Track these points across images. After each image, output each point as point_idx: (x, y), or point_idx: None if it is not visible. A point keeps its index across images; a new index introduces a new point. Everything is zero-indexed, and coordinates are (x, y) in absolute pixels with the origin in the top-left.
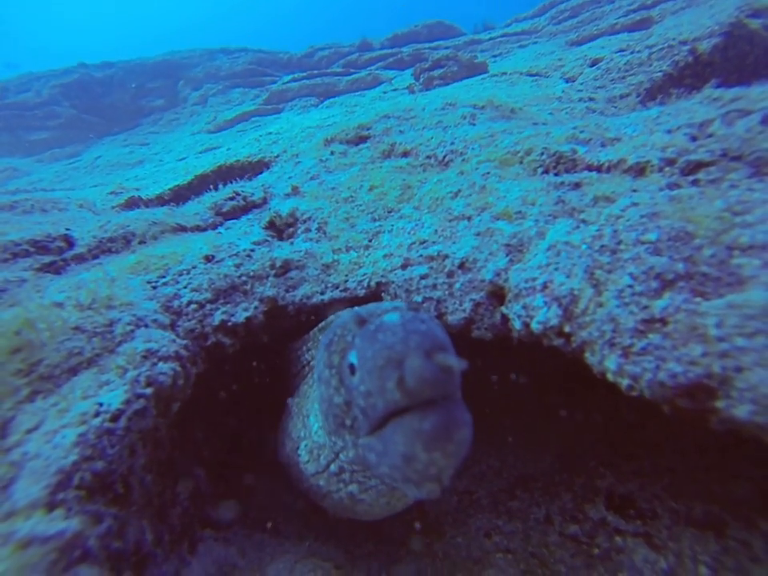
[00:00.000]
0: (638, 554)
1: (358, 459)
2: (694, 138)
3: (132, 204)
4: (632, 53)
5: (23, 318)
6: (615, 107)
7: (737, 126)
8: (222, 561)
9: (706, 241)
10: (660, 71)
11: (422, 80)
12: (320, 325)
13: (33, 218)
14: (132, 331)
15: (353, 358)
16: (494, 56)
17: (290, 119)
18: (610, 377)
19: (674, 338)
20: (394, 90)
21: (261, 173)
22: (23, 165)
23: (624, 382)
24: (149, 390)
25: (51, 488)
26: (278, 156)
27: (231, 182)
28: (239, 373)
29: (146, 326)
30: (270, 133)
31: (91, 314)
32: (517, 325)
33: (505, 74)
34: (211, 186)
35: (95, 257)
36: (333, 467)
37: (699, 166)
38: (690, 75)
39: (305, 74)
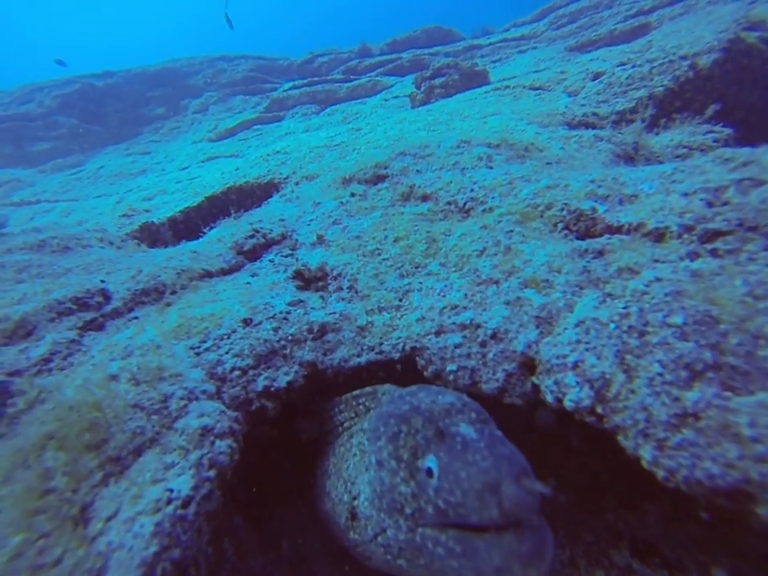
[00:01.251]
0: None
1: (410, 544)
2: (710, 204)
3: (145, 229)
4: (633, 66)
5: (91, 401)
6: (621, 134)
7: (752, 195)
8: None
9: (731, 326)
10: (661, 86)
11: (423, 89)
12: (354, 393)
13: (64, 262)
14: (185, 405)
15: (431, 463)
16: (494, 61)
17: (296, 137)
18: (644, 465)
19: (708, 435)
20: (395, 97)
21: (271, 195)
22: (26, 176)
23: (660, 474)
24: (212, 473)
25: None
26: (287, 177)
27: (242, 206)
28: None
29: (197, 398)
30: (278, 152)
31: (146, 389)
32: (549, 398)
33: (508, 87)
34: (223, 208)
35: (130, 310)
36: (381, 539)
37: (717, 234)
38: (691, 90)
39: (305, 80)
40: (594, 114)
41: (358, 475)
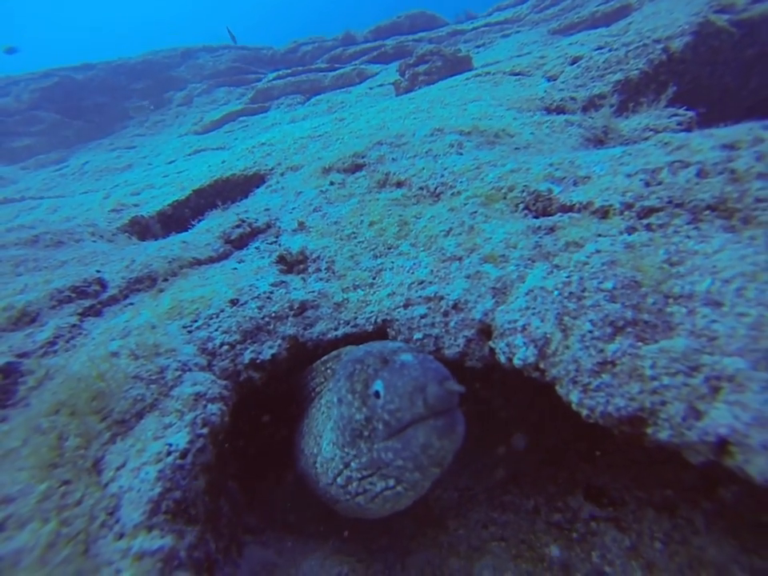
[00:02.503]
0: (608, 536)
1: (371, 462)
2: (647, 184)
3: (135, 223)
4: (610, 50)
5: (96, 373)
6: (591, 119)
7: (680, 175)
8: (264, 561)
9: (649, 289)
10: (637, 69)
11: (407, 76)
12: (323, 358)
13: (59, 255)
14: (180, 376)
15: (378, 386)
16: (478, 47)
17: (281, 128)
18: (573, 406)
19: (620, 377)
20: (380, 85)
21: (258, 186)
22: (7, 173)
23: (584, 412)
24: (205, 430)
25: (147, 514)
26: (272, 169)
27: (229, 198)
28: (263, 396)
29: (190, 369)
30: (263, 144)
31: (144, 363)
32: (502, 359)
33: (489, 73)
34: (210, 201)
35: (126, 296)
36: (339, 480)
37: (651, 210)
38: (665, 72)
39: (289, 70)
40: (572, 98)
41: (324, 428)
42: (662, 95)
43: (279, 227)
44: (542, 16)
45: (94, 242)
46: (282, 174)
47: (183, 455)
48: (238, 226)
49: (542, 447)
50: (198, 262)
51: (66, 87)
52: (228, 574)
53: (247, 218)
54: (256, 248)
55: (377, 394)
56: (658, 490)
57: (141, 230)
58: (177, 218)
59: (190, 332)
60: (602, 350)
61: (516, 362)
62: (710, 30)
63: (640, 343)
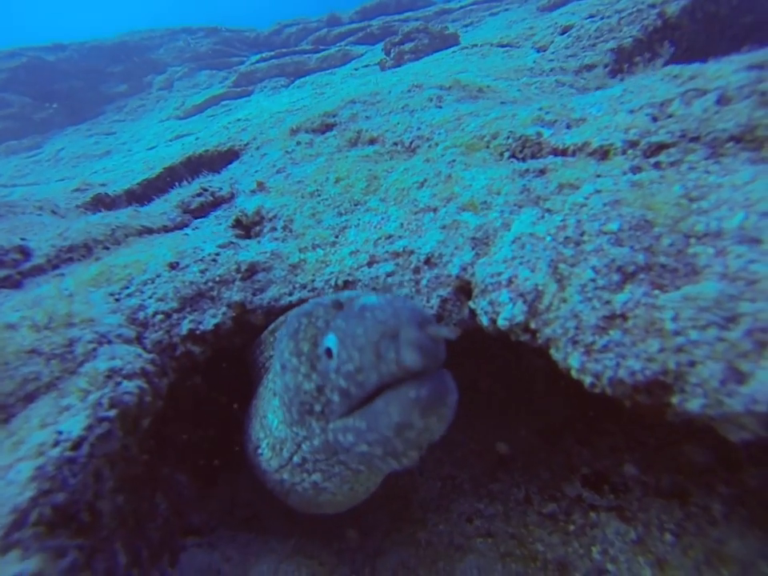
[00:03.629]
0: (611, 527)
1: (325, 446)
2: (655, 119)
3: (98, 201)
4: (602, 18)
5: None
6: (584, 79)
7: (694, 105)
8: (204, 568)
9: (665, 229)
10: (630, 36)
11: (392, 55)
12: (270, 327)
13: None
14: (94, 349)
15: (329, 342)
16: (465, 26)
17: (259, 103)
18: (574, 374)
19: (634, 333)
20: (366, 66)
21: (231, 162)
22: None
23: (587, 380)
24: (112, 413)
25: (5, 529)
26: (247, 144)
27: (201, 175)
28: (226, 376)
29: (110, 342)
30: (239, 119)
31: (48, 335)
32: (484, 321)
33: (476, 45)
34: (182, 179)
35: (55, 267)
36: (296, 458)
37: (660, 147)
38: (659, 39)
39: (273, 52)
40: (562, 68)
41: (270, 406)
42: (660, 52)
43: (239, 189)
44: None
45: (39, 215)
46: (257, 148)
47: (76, 445)
48: (198, 195)
49: (534, 428)
50: (149, 231)
51: (36, 69)
52: None
53: (210, 186)
54: (215, 216)
55: (328, 353)
56: (665, 474)
57: (105, 208)
58: (147, 197)
59: (117, 300)
60: (608, 302)
61: (501, 322)
62: None
63: (657, 291)
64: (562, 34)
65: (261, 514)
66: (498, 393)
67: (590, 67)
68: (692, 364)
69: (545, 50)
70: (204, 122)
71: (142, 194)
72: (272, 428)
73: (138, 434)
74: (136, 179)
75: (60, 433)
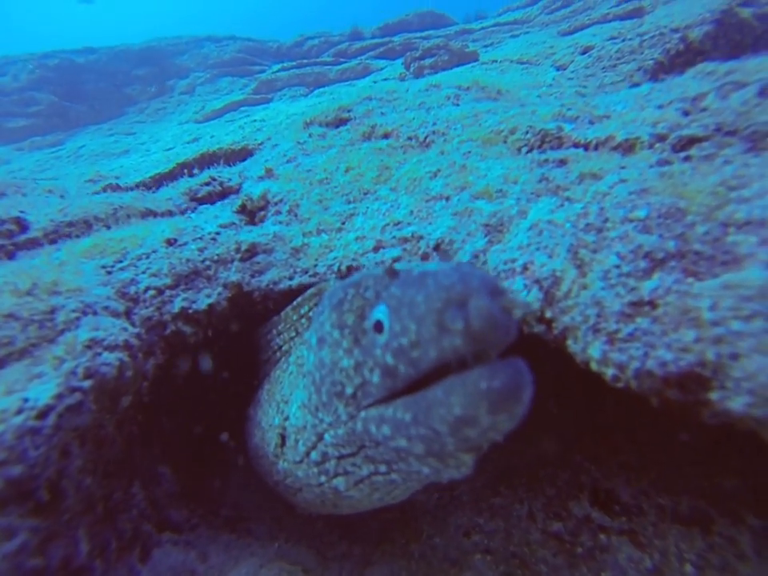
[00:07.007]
0: (623, 553)
1: (350, 437)
2: (686, 113)
3: (109, 191)
4: (623, 40)
5: None
6: (606, 93)
7: (732, 99)
8: (178, 568)
9: (699, 217)
10: (651, 59)
11: (412, 69)
12: (295, 302)
13: None
14: (77, 319)
15: (379, 313)
16: (486, 46)
17: (276, 108)
18: (593, 366)
19: (664, 322)
20: (385, 79)
21: (244, 160)
22: (1, 153)
23: (609, 372)
24: (87, 383)
25: None
26: (261, 143)
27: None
28: (220, 363)
29: (95, 313)
30: (255, 120)
31: (30, 300)
32: None
33: (495, 61)
34: (194, 174)
35: (53, 241)
36: (314, 454)
37: (692, 141)
38: (681, 63)
39: (294, 63)
40: (582, 86)
41: (294, 389)
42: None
43: (246, 176)
44: (553, 17)
45: (47, 197)
46: (272, 148)
47: (41, 415)
48: (207, 184)
49: (536, 444)
50: (152, 213)
51: (66, 70)
52: None
53: (219, 176)
54: (222, 204)
55: (377, 326)
56: (685, 498)
57: None
58: (158, 190)
59: (109, 273)
60: (634, 288)
61: (515, 311)
62: (732, 21)
63: (691, 279)
64: (583, 53)
65: (247, 515)
66: None
67: (612, 83)
68: (735, 357)
69: (564, 69)
70: (222, 126)
71: (154, 186)
72: (290, 413)
73: (116, 412)
74: (149, 173)
75: (26, 400)
